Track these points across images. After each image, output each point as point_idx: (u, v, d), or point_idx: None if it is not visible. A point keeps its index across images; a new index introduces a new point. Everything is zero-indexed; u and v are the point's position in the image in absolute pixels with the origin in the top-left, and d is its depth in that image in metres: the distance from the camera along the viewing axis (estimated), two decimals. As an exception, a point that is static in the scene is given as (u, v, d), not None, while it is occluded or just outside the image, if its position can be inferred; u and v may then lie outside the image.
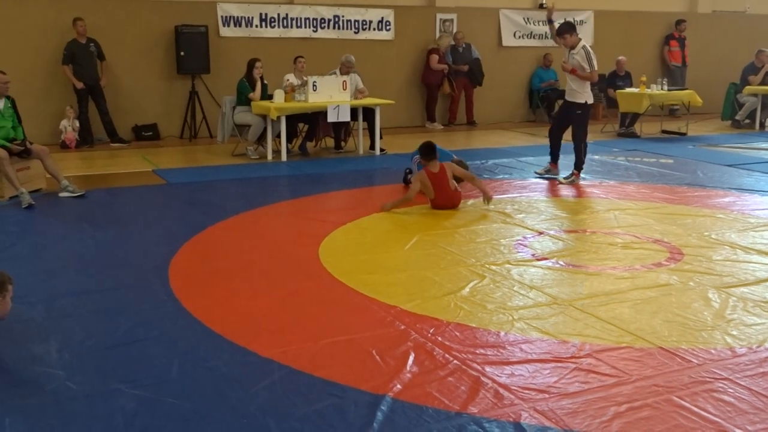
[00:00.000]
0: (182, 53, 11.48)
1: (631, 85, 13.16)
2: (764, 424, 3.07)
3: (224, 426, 3.10)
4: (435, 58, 13.33)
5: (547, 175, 8.55)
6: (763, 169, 9.11)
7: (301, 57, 10.66)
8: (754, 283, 4.85)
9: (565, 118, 8.57)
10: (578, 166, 8.39)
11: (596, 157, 10.10)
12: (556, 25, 8.43)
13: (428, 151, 7.02)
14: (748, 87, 13.55)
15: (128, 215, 6.92)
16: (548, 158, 8.74)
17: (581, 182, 8.32)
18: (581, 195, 7.68)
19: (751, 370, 3.58)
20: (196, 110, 11.70)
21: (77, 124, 10.91)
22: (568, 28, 8.22)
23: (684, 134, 12.55)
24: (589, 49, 8.21)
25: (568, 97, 8.41)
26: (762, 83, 13.48)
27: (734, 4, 16.68)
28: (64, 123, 10.79)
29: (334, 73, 10.57)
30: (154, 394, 3.35)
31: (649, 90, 12.29)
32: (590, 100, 8.38)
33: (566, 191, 7.86)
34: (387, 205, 6.97)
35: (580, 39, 8.27)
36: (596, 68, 8.20)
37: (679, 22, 15.45)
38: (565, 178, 8.32)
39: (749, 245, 5.75)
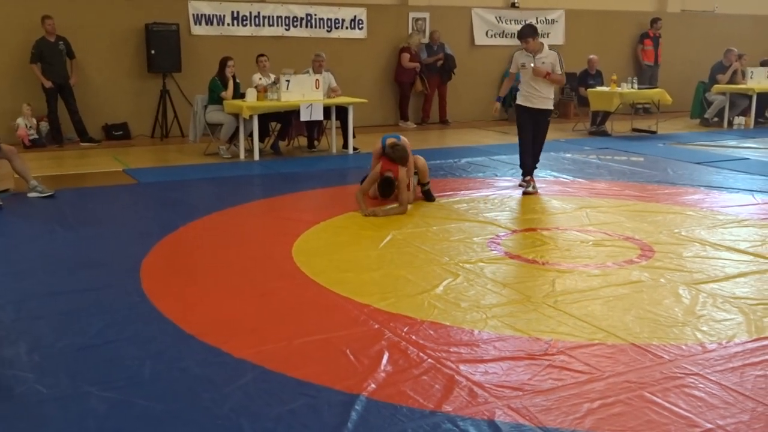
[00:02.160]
0: (153, 51, 11.38)
1: (602, 84, 13.27)
2: (734, 419, 3.11)
3: (197, 427, 3.08)
4: (406, 56, 13.35)
5: (531, 189, 7.72)
6: (731, 167, 9.24)
7: (263, 56, 10.61)
8: (724, 279, 4.92)
9: (536, 127, 7.77)
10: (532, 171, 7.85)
11: (568, 155, 10.17)
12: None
13: (387, 185, 6.86)
14: (716, 86, 13.74)
15: (99, 215, 6.85)
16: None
17: (549, 180, 8.37)
18: (553, 193, 7.72)
19: (721, 365, 3.63)
20: (167, 109, 11.61)
21: (34, 121, 10.77)
22: (532, 32, 7.60)
23: (654, 132, 12.69)
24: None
25: (539, 105, 7.64)
26: (730, 82, 13.67)
27: (703, 4, 16.88)
28: (19, 120, 10.59)
29: (307, 72, 10.54)
30: (126, 396, 3.31)
31: (619, 89, 12.40)
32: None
33: (539, 190, 7.89)
34: (378, 211, 6.70)
35: (542, 43, 7.70)
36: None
37: (654, 21, 15.60)
38: (533, 188, 7.69)
39: (718, 242, 5.82)
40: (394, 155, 6.86)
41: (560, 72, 7.66)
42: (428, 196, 7.40)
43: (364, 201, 6.88)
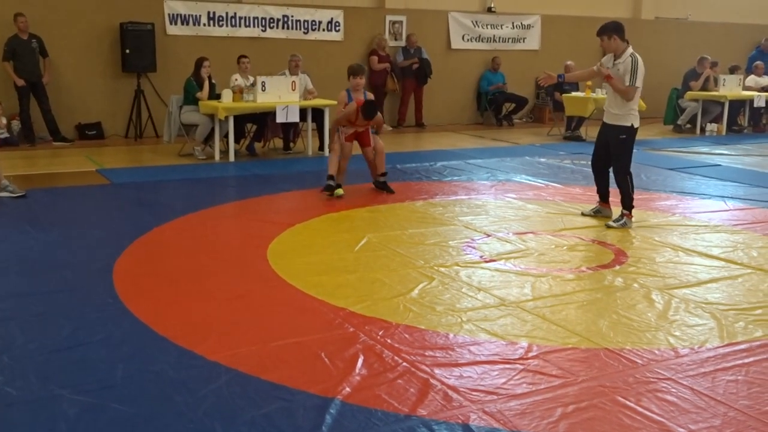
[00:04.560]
0: (128, 51, 11.29)
1: (577, 90, 13.37)
2: (706, 423, 3.14)
3: (170, 431, 3.05)
4: (375, 59, 13.38)
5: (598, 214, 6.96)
6: (703, 173, 9.35)
7: (245, 57, 10.57)
8: (696, 285, 4.97)
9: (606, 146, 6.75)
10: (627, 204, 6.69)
11: (543, 159, 10.23)
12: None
13: (368, 110, 7.58)
14: (689, 92, 13.90)
15: (71, 216, 6.77)
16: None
17: (524, 184, 8.40)
18: (528, 198, 7.76)
19: (693, 370, 3.66)
20: (141, 109, 11.52)
21: (4, 121, 10.63)
22: (605, 29, 6.57)
23: (628, 138, 12.76)
24: (638, 57, 6.52)
25: (608, 119, 6.68)
26: (702, 89, 13.83)
27: (676, 12, 17.08)
28: None
29: (284, 74, 10.51)
30: (98, 400, 3.27)
31: (594, 94, 12.49)
32: (636, 123, 6.56)
33: (513, 194, 7.93)
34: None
35: (625, 45, 6.57)
36: (639, 85, 6.49)
37: None
38: (615, 221, 6.64)
39: (691, 247, 5.88)
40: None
41: (629, 83, 6.45)
42: (386, 187, 7.79)
43: (341, 134, 7.71)
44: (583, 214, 6.99)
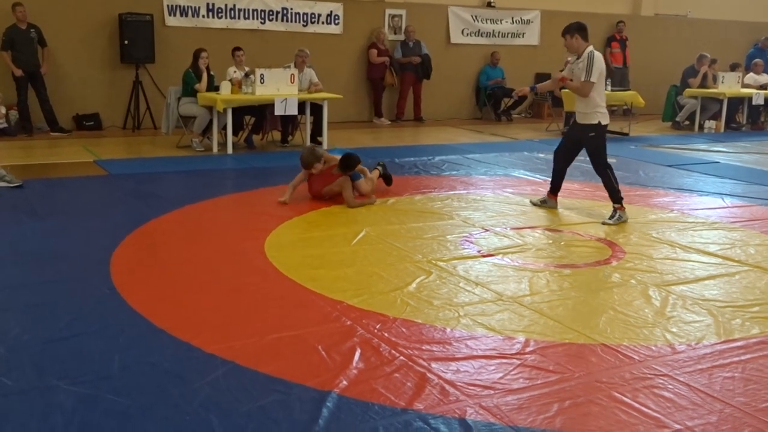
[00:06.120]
0: (126, 42, 11.26)
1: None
2: (702, 420, 3.14)
3: (166, 423, 3.04)
4: (374, 52, 13.37)
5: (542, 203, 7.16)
6: (701, 170, 9.34)
7: (239, 50, 10.54)
8: (693, 281, 4.97)
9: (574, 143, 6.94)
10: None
11: (541, 155, 10.22)
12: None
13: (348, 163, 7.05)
14: (688, 89, 13.90)
15: (68, 206, 6.75)
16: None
17: (522, 180, 8.39)
18: (526, 193, 7.75)
19: (690, 366, 3.66)
20: (140, 100, 11.49)
21: (4, 110, 10.60)
22: (567, 29, 6.80)
23: (626, 134, 12.79)
24: (595, 54, 6.56)
25: (578, 119, 6.78)
26: (701, 86, 13.83)
27: (676, 8, 17.07)
28: None
29: (289, 66, 10.48)
30: (94, 391, 3.26)
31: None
32: (604, 120, 6.62)
33: (511, 189, 7.93)
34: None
35: (586, 44, 6.64)
36: (594, 80, 6.46)
37: (617, 23, 15.76)
38: (610, 218, 6.58)
39: (688, 244, 5.88)
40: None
41: (584, 78, 6.49)
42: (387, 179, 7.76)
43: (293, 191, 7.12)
44: (531, 203, 7.20)
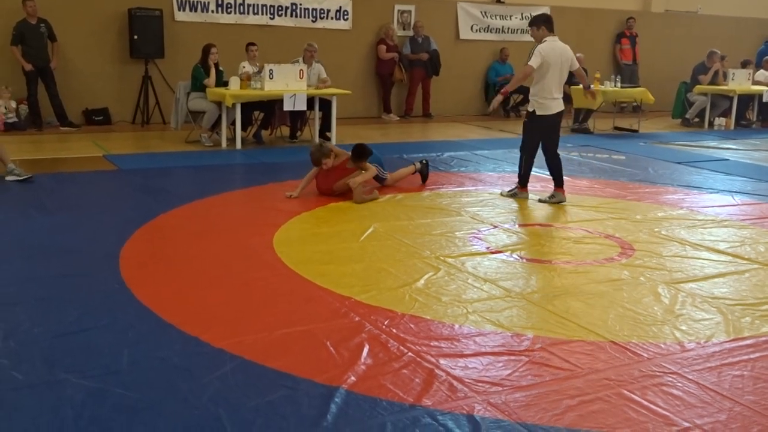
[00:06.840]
0: (136, 37, 11.28)
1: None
2: (711, 418, 3.13)
3: (175, 417, 3.05)
4: (383, 48, 13.35)
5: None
6: (711, 167, 9.31)
7: (253, 45, 10.54)
8: (703, 279, 4.95)
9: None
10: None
11: (550, 151, 10.18)
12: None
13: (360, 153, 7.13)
14: (698, 86, 13.83)
15: (78, 201, 6.77)
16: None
17: (531, 177, 8.37)
18: (535, 190, 7.73)
19: (699, 364, 3.65)
20: (149, 95, 11.51)
21: (13, 104, 10.64)
22: (534, 21, 7.13)
23: (636, 131, 12.75)
24: (544, 45, 6.90)
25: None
26: (711, 83, 13.76)
27: (687, 4, 16.99)
28: None
29: (297, 61, 10.47)
30: (103, 385, 3.27)
31: (602, 87, 12.43)
32: (540, 111, 7.03)
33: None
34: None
35: (545, 35, 6.98)
36: (532, 64, 6.83)
37: (627, 20, 15.70)
38: (509, 191, 7.32)
39: (698, 242, 5.86)
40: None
41: (525, 63, 6.94)
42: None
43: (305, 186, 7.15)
44: (501, 194, 7.40)
